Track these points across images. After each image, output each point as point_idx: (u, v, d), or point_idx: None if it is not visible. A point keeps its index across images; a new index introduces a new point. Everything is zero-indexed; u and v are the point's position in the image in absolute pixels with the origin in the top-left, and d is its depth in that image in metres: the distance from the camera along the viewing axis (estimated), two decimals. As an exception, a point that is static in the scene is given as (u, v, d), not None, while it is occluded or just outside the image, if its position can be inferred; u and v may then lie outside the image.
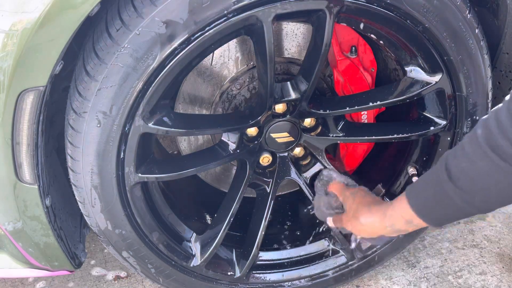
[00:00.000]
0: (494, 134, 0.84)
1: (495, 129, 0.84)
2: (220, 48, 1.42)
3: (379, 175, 1.64)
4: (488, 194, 0.89)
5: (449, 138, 1.38)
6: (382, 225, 1.12)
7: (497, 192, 0.88)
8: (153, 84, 1.09)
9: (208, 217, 1.65)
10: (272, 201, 1.46)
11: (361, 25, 1.20)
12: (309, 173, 1.50)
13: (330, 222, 1.35)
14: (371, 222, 1.15)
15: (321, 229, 1.61)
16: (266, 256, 1.58)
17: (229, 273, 1.50)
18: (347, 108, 1.35)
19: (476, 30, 1.21)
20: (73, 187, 1.23)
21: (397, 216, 1.07)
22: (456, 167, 0.91)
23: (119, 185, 1.21)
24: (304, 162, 1.51)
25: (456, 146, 0.95)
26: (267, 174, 1.47)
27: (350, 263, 1.58)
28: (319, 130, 1.41)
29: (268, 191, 1.47)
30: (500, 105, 0.86)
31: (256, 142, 1.38)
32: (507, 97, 0.85)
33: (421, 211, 1.01)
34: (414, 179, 1.47)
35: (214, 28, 1.06)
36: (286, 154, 1.46)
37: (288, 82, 1.30)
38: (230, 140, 1.36)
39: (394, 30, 1.20)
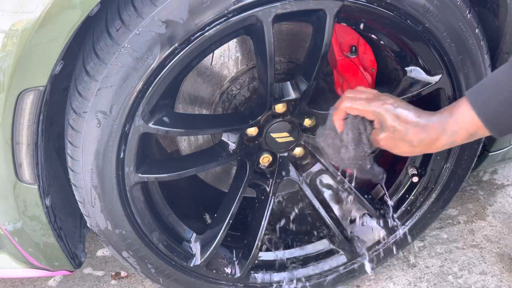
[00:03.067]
0: None
1: None
2: (220, 48, 1.42)
3: (379, 175, 1.64)
4: None
5: (449, 138, 1.38)
6: (439, 143, 0.97)
7: None
8: (153, 84, 1.09)
9: (208, 217, 1.65)
10: (272, 201, 1.46)
11: (361, 25, 1.20)
12: (309, 173, 1.51)
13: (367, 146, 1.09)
14: (425, 141, 0.97)
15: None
16: (266, 256, 1.59)
17: (229, 273, 1.50)
18: (347, 108, 1.35)
19: (476, 30, 1.21)
20: (73, 187, 1.23)
21: (461, 130, 0.93)
22: None
23: (119, 185, 1.21)
24: (304, 162, 1.51)
25: None
26: (267, 174, 1.47)
27: (350, 263, 1.58)
28: (319, 130, 1.41)
29: (268, 191, 1.47)
30: None
31: (256, 142, 1.38)
32: None
33: (492, 121, 0.89)
34: (415, 179, 1.47)
35: (214, 28, 1.06)
36: (286, 154, 1.46)
37: (288, 82, 1.30)
38: (230, 140, 1.36)
39: (394, 30, 1.20)
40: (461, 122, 0.93)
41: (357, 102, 1.04)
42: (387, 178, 1.59)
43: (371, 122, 1.08)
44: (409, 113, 0.99)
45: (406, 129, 0.98)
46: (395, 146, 1.02)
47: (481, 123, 0.90)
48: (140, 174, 1.22)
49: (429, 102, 1.36)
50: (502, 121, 0.89)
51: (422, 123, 0.97)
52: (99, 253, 1.83)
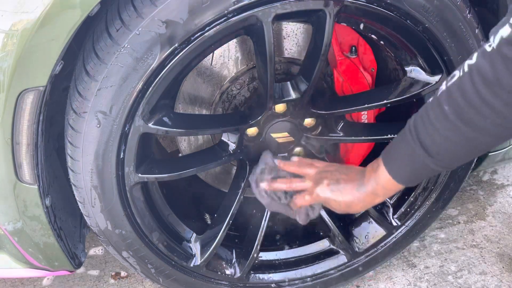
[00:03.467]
0: (464, 108, 0.89)
1: (463, 102, 0.88)
2: (220, 48, 1.42)
3: (379, 175, 1.63)
4: (465, 158, 1.00)
5: (449, 138, 1.38)
6: (375, 203, 1.16)
7: (474, 154, 1.01)
8: (153, 84, 1.09)
9: (208, 217, 1.65)
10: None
11: (361, 25, 1.20)
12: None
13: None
14: (366, 205, 1.16)
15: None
16: (266, 256, 1.58)
17: (229, 273, 1.50)
18: (347, 108, 1.35)
19: (476, 30, 1.21)
20: (73, 187, 1.23)
21: (389, 192, 1.12)
22: (433, 143, 0.97)
23: (119, 185, 1.21)
24: (304, 162, 1.51)
25: (423, 119, 0.98)
26: (267, 174, 1.47)
27: (350, 263, 1.58)
28: (319, 130, 1.41)
29: (268, 191, 1.47)
30: (458, 77, 0.90)
31: (256, 142, 1.38)
32: (466, 67, 0.88)
33: (406, 182, 1.08)
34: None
35: (214, 28, 1.06)
36: (286, 154, 1.46)
37: (288, 82, 1.30)
38: (230, 140, 1.36)
39: (394, 30, 1.19)
40: (387, 187, 1.10)
41: (305, 197, 1.21)
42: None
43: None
44: (345, 191, 1.15)
45: (348, 205, 1.15)
46: (342, 211, 1.18)
47: (401, 185, 1.09)
48: (140, 174, 1.22)
49: (429, 102, 1.36)
50: (417, 179, 1.09)
51: (358, 195, 1.13)
52: (92, 252, 1.83)
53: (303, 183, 1.22)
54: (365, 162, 1.67)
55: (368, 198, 1.13)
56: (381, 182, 1.09)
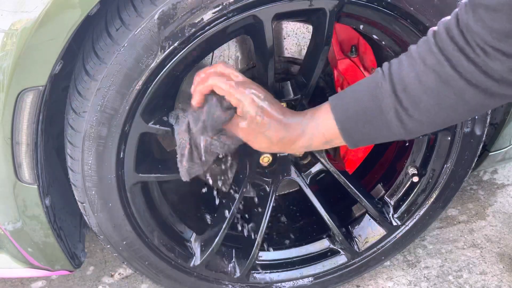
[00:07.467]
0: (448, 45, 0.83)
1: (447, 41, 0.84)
2: (220, 48, 1.42)
3: (379, 175, 1.64)
4: (432, 114, 0.85)
5: (448, 138, 1.38)
6: (297, 145, 0.97)
7: (441, 111, 0.85)
8: (152, 84, 1.09)
9: (208, 217, 1.65)
10: (272, 201, 1.46)
11: (361, 25, 1.20)
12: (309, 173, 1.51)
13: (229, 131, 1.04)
14: (284, 140, 0.97)
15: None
16: (266, 256, 1.58)
17: (229, 273, 1.50)
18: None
19: (476, 30, 1.20)
20: (73, 187, 1.23)
21: (319, 135, 0.94)
22: (405, 77, 0.83)
23: (119, 185, 1.21)
24: (304, 162, 1.51)
25: (402, 56, 0.87)
26: (267, 174, 1.47)
27: (350, 263, 1.58)
28: (319, 130, 1.41)
29: (268, 191, 1.47)
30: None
31: (256, 142, 1.38)
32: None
33: (347, 129, 0.90)
34: (415, 179, 1.47)
35: (214, 28, 1.06)
36: (286, 154, 1.46)
37: (288, 82, 1.30)
38: (230, 139, 1.35)
39: (394, 30, 1.19)
40: (321, 126, 0.93)
41: (226, 83, 0.97)
42: (387, 178, 1.58)
43: (230, 108, 1.01)
44: (274, 108, 0.97)
45: (269, 124, 0.96)
46: (254, 140, 0.99)
47: (338, 130, 0.91)
48: (140, 174, 1.22)
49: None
50: (357, 130, 0.90)
51: (285, 121, 0.96)
52: (99, 253, 1.83)
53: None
54: (365, 162, 1.67)
55: (293, 132, 0.95)
56: (317, 119, 0.93)
